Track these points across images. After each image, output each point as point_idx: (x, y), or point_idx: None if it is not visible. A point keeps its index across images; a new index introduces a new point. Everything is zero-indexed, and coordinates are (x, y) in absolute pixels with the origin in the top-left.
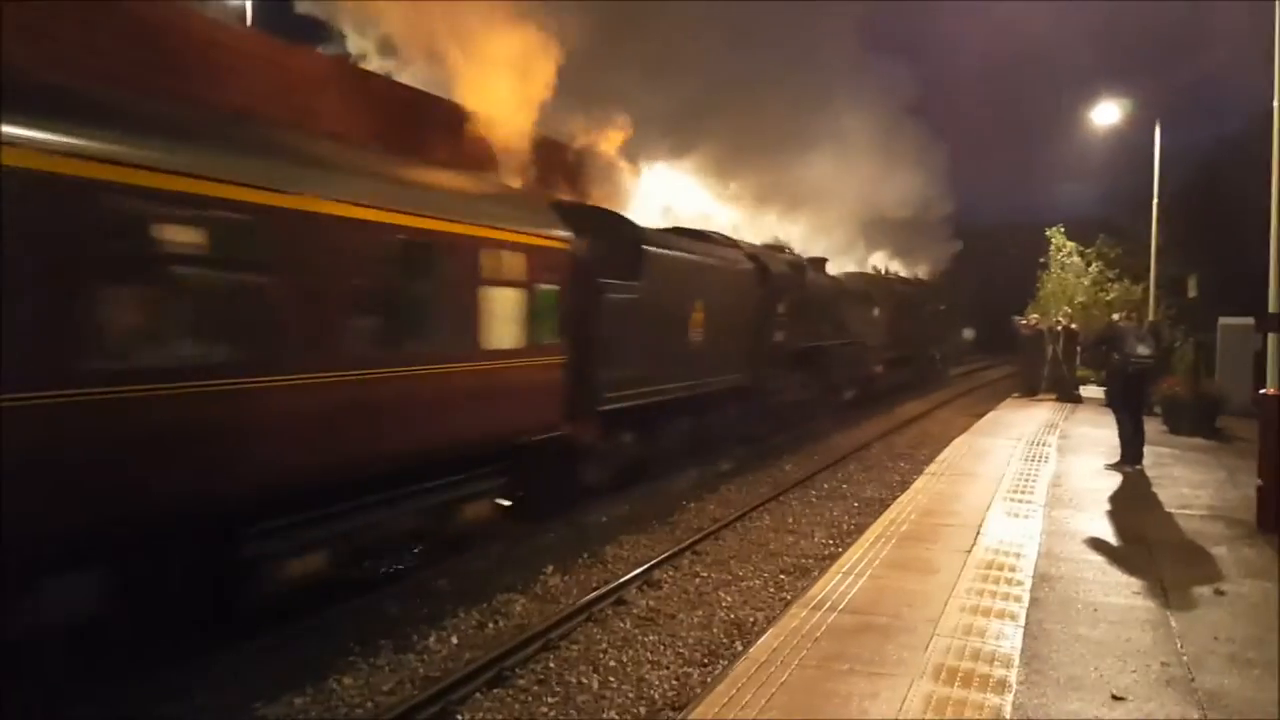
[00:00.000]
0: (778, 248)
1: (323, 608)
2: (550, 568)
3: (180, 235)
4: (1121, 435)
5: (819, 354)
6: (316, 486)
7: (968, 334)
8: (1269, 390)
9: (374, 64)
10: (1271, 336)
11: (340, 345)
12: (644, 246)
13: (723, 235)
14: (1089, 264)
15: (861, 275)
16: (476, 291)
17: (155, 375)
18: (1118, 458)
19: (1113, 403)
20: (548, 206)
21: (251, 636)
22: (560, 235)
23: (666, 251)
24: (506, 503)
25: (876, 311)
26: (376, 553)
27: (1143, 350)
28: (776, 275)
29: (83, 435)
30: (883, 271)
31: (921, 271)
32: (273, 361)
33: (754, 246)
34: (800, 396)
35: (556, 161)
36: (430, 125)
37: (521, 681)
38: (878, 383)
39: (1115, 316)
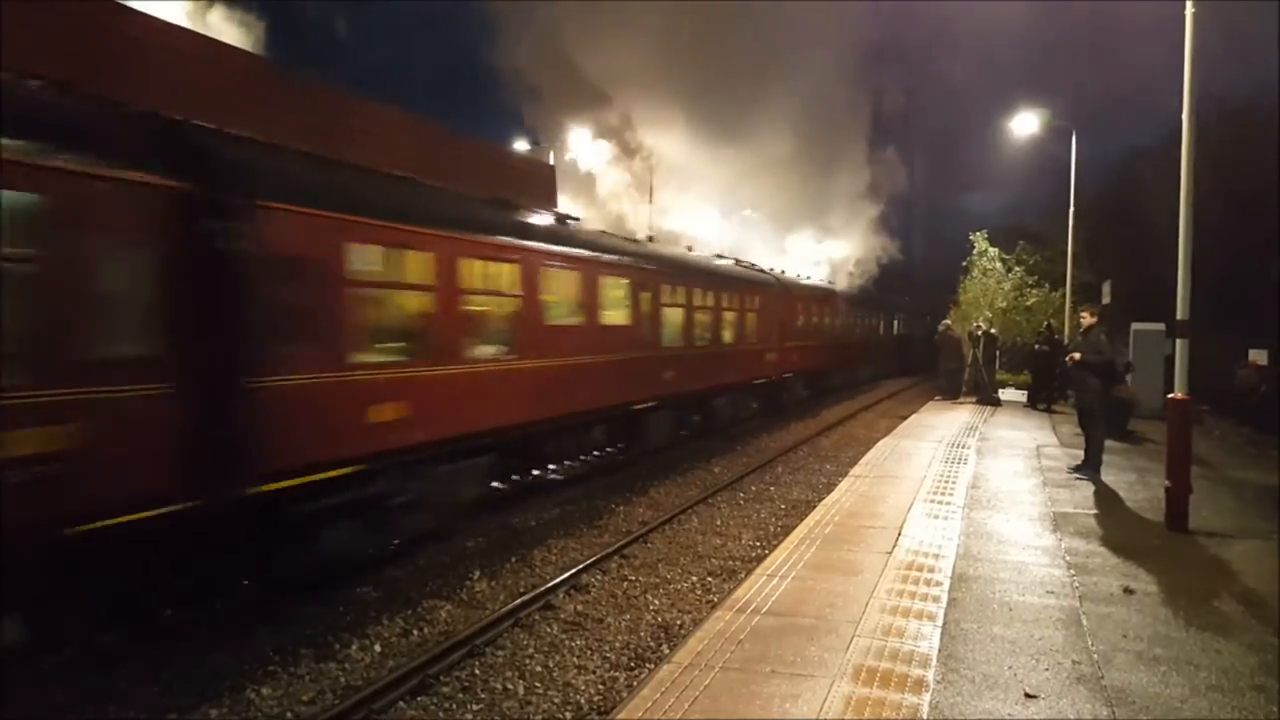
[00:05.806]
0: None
1: (239, 616)
2: (477, 573)
3: None
4: (1097, 445)
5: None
6: None
7: None
8: (1177, 395)
9: None
10: (1179, 342)
11: None
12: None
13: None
14: (1009, 269)
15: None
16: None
17: None
18: (1079, 462)
19: (1097, 416)
20: None
21: (165, 646)
22: None
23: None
24: None
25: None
26: None
27: (1123, 359)
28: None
29: None
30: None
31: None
32: None
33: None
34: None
35: None
36: None
37: (446, 689)
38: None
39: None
